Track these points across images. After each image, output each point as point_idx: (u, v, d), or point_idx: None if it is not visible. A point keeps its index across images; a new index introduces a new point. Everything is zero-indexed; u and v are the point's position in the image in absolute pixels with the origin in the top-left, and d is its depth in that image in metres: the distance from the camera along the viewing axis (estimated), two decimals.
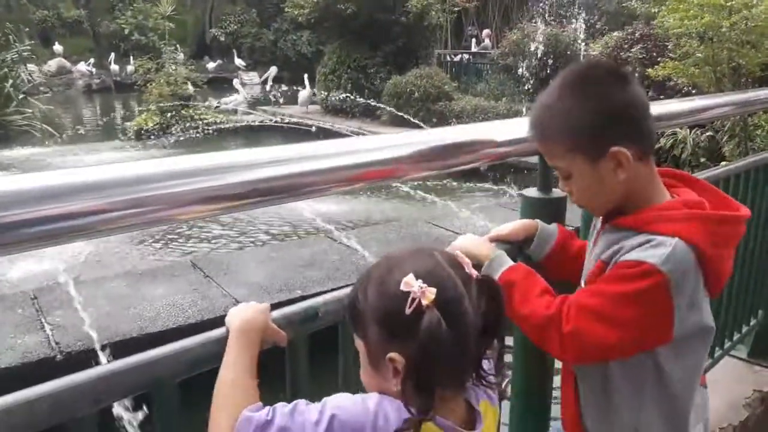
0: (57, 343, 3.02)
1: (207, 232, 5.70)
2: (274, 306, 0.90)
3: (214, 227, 5.81)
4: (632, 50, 8.42)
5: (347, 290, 0.95)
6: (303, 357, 0.93)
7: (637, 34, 8.76)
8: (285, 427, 0.76)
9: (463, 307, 0.78)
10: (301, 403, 0.79)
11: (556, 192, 1.34)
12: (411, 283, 0.76)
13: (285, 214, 6.04)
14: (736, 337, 2.50)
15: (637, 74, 7.76)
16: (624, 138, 1.02)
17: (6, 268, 4.49)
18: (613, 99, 1.04)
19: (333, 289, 0.99)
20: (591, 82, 1.07)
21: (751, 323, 2.59)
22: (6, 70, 11.09)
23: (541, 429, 1.50)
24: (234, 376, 0.81)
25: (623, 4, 11.60)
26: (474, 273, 0.84)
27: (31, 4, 22.20)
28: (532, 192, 1.34)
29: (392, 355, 0.77)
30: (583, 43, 11.37)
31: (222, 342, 0.83)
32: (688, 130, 5.31)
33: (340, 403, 0.78)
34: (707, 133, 5.16)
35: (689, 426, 1.11)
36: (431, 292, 0.76)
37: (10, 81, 10.99)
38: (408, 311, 0.75)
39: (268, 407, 0.79)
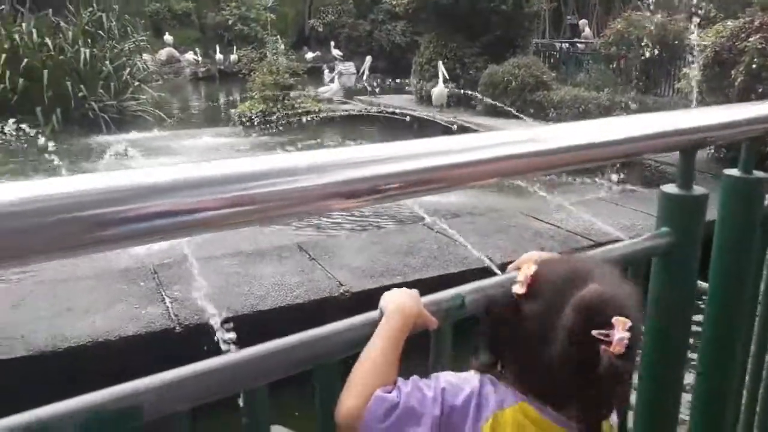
0: (176, 315, 3.23)
1: (311, 218, 5.88)
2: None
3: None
4: (750, 40, 7.85)
5: (492, 280, 0.97)
6: (447, 344, 0.96)
7: (756, 23, 8.15)
8: (410, 407, 0.83)
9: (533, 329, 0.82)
10: (418, 380, 0.86)
11: (697, 189, 1.29)
12: (527, 268, 0.83)
13: (387, 204, 6.12)
14: None
15: (754, 66, 7.23)
16: None
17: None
18: None
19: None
20: None
21: None
22: (124, 59, 11.85)
23: None
24: (379, 354, 0.86)
25: None
26: (605, 346, 0.78)
27: None
28: (672, 188, 1.30)
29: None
30: (694, 33, 10.73)
31: (377, 324, 0.87)
32: None
33: (449, 379, 0.87)
34: None
35: None
36: (521, 287, 0.82)
37: (128, 69, 11.73)
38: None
39: (396, 389, 0.84)
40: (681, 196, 1.29)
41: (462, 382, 0.86)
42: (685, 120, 1.25)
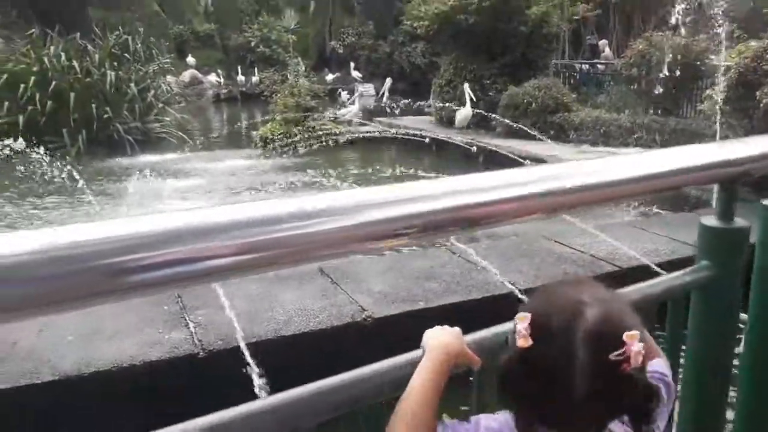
0: (200, 341, 3.23)
1: None
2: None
3: None
4: None
5: None
6: (491, 383, 0.94)
7: None
8: None
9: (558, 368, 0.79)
10: (458, 426, 0.86)
11: (738, 221, 1.27)
12: (521, 321, 0.81)
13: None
14: None
15: None
16: None
17: None
18: None
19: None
20: None
21: None
22: (149, 81, 12.06)
23: None
24: (421, 395, 0.85)
25: (765, 10, 10.77)
26: (625, 364, 0.78)
27: (169, 19, 24.11)
28: (711, 221, 1.27)
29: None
30: (722, 53, 10.65)
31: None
32: None
33: (488, 424, 0.86)
34: None
35: None
36: (526, 341, 0.80)
37: (152, 91, 11.93)
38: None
39: None
40: (721, 229, 1.27)
41: (501, 426, 0.85)
42: (724, 152, 1.23)
